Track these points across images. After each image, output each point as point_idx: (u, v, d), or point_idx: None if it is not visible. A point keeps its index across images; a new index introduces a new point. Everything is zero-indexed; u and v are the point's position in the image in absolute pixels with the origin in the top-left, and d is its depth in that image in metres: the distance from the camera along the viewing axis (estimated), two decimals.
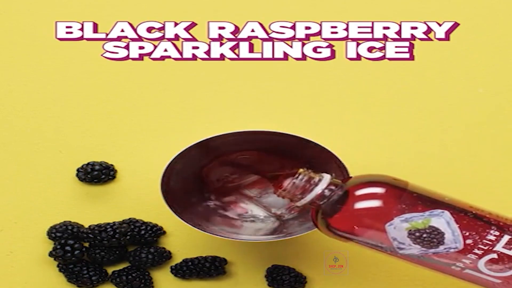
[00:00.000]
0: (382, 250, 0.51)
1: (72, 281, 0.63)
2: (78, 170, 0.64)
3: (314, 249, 0.64)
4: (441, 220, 0.49)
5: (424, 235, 0.49)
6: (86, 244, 0.63)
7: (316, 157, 0.58)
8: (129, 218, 0.63)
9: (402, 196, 0.51)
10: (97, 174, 0.63)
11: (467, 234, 0.49)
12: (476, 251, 0.49)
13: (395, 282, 0.63)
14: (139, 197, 0.64)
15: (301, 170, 0.54)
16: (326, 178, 0.53)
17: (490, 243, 0.49)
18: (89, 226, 0.63)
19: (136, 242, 0.63)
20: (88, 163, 0.64)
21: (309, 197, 0.52)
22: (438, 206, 0.50)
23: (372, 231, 0.50)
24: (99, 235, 0.61)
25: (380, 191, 0.51)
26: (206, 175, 0.61)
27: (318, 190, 0.52)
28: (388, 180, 0.52)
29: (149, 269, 0.64)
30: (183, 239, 0.64)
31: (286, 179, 0.53)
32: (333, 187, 0.52)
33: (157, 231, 0.63)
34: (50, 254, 0.62)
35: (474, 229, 0.49)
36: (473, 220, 0.50)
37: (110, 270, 0.64)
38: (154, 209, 0.64)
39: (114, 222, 0.63)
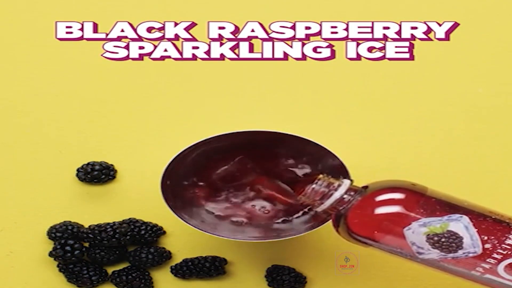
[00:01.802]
0: (402, 255, 0.52)
1: (72, 281, 0.63)
2: (78, 170, 0.64)
3: (314, 249, 0.64)
4: (460, 225, 0.49)
5: (443, 240, 0.49)
6: (86, 244, 0.63)
7: (316, 157, 0.58)
8: (129, 218, 0.63)
9: (421, 201, 0.51)
10: (97, 174, 0.63)
11: (486, 238, 0.49)
12: (495, 255, 0.49)
13: (400, 283, 0.63)
14: (139, 197, 0.64)
15: (320, 175, 0.54)
16: (346, 183, 0.54)
17: (509, 247, 0.49)
18: (89, 226, 0.63)
19: (136, 242, 0.63)
20: (88, 163, 0.64)
21: (328, 202, 0.53)
22: (456, 210, 0.50)
23: (391, 236, 0.51)
24: (99, 235, 0.61)
25: (399, 196, 0.52)
26: (206, 175, 0.61)
27: (337, 195, 0.53)
28: (406, 186, 0.53)
29: (149, 269, 0.64)
30: (183, 239, 0.64)
31: (306, 185, 0.54)
32: (352, 193, 0.53)
33: (157, 231, 0.63)
34: (50, 254, 0.62)
35: (493, 233, 0.49)
36: (492, 225, 0.50)
37: (110, 270, 0.64)
38: (154, 209, 0.64)
39: (114, 222, 0.63)
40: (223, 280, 0.64)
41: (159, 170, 0.57)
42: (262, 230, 0.61)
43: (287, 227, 0.60)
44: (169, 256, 0.64)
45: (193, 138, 0.57)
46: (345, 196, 0.53)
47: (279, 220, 0.61)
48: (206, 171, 0.61)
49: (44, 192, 0.64)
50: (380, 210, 0.51)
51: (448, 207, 0.51)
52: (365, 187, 0.54)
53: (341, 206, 0.53)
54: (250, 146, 0.60)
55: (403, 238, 0.50)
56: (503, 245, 0.49)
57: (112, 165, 0.64)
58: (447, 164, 0.64)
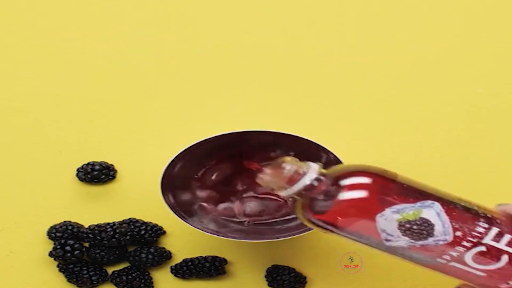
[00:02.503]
0: (367, 242, 0.49)
1: (72, 281, 0.63)
2: (78, 170, 0.64)
3: (314, 249, 0.64)
4: (432, 212, 0.48)
5: (414, 227, 0.48)
6: (86, 244, 0.63)
7: (315, 157, 0.58)
8: (129, 218, 0.63)
9: (393, 187, 0.49)
10: (97, 174, 0.63)
11: (457, 226, 0.48)
12: (465, 243, 0.48)
13: (400, 282, 0.63)
14: (139, 197, 0.64)
15: (287, 158, 0.50)
16: (314, 167, 0.50)
17: (479, 235, 0.48)
18: (89, 226, 0.63)
19: (136, 242, 0.63)
20: (88, 163, 0.64)
21: (295, 187, 0.49)
22: (428, 197, 0.49)
23: (361, 222, 0.48)
24: (99, 235, 0.61)
25: (370, 181, 0.49)
26: (206, 175, 0.61)
27: (306, 180, 0.49)
28: (378, 171, 0.50)
29: (149, 269, 0.64)
30: (183, 239, 0.64)
31: (269, 167, 0.50)
32: (322, 177, 0.49)
33: (157, 231, 0.63)
34: (50, 254, 0.62)
35: (463, 221, 0.48)
36: (462, 212, 0.49)
37: (110, 270, 0.64)
38: (154, 209, 0.64)
39: (114, 222, 0.63)
40: (223, 280, 0.64)
41: (159, 170, 0.57)
42: (262, 230, 0.61)
43: (286, 227, 0.60)
44: (169, 256, 0.64)
45: (193, 138, 0.57)
46: (314, 181, 0.49)
47: (279, 220, 0.61)
48: (206, 171, 0.61)
49: (44, 192, 0.64)
50: (351, 196, 0.48)
51: (419, 193, 0.49)
52: (335, 170, 0.51)
53: (308, 192, 0.49)
54: (249, 146, 0.60)
55: (373, 225, 0.48)
56: (473, 233, 0.48)
57: (112, 165, 0.64)
58: (447, 164, 0.64)
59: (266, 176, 0.50)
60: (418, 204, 0.48)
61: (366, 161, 0.63)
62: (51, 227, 0.64)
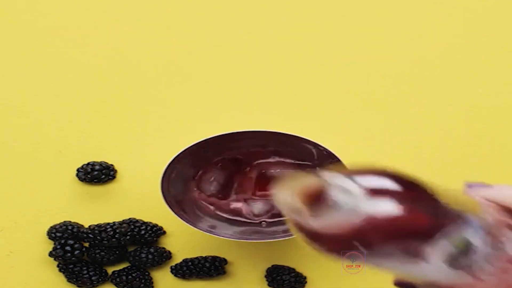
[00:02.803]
0: (388, 267, 0.37)
1: (72, 281, 0.63)
2: (78, 170, 0.64)
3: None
4: (472, 231, 0.36)
5: (459, 254, 0.36)
6: (86, 244, 0.63)
7: (315, 157, 0.58)
8: (129, 218, 0.63)
9: (437, 204, 0.36)
10: (97, 174, 0.63)
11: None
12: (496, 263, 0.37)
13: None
14: (139, 197, 0.64)
15: (328, 176, 0.35)
16: (355, 188, 0.35)
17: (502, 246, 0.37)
18: (89, 226, 0.63)
19: (136, 242, 0.63)
20: (88, 163, 0.64)
21: (334, 217, 0.35)
22: (461, 210, 0.37)
23: (400, 251, 0.35)
24: (99, 235, 0.61)
25: (413, 195, 0.36)
26: (205, 175, 0.61)
27: (349, 208, 0.34)
28: (421, 183, 0.37)
29: (149, 269, 0.64)
30: (183, 239, 0.64)
31: (299, 190, 0.36)
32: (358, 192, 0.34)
33: (157, 231, 0.63)
34: (50, 254, 0.62)
35: (491, 232, 0.37)
36: (487, 225, 0.37)
37: (110, 270, 0.64)
38: (154, 209, 0.64)
39: (114, 222, 0.63)
40: (223, 280, 0.64)
41: (159, 170, 0.57)
42: (264, 230, 0.61)
43: (286, 227, 0.60)
44: (169, 256, 0.64)
45: (193, 138, 0.57)
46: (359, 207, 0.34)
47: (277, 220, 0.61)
48: (206, 171, 0.61)
49: (44, 192, 0.64)
50: (393, 214, 0.34)
51: (457, 208, 0.37)
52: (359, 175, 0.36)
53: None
54: (249, 145, 0.60)
55: (418, 255, 0.35)
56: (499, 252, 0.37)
57: (112, 165, 0.64)
58: (447, 164, 0.64)
59: (291, 203, 0.36)
60: (461, 223, 0.36)
61: (366, 161, 0.63)
62: (51, 227, 0.64)
